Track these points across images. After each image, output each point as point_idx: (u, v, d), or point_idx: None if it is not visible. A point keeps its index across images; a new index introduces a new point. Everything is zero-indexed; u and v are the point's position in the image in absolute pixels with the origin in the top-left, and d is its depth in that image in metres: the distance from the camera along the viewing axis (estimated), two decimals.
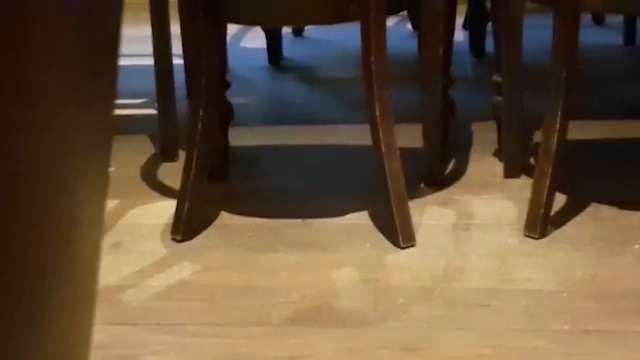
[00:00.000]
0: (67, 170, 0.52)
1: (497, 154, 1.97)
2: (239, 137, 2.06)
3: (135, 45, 2.20)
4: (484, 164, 1.96)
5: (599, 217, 1.71)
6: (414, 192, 1.79)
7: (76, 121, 0.53)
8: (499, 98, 1.91)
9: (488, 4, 2.54)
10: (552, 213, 1.67)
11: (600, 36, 2.79)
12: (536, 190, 1.65)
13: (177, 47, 2.04)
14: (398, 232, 1.63)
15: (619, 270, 1.53)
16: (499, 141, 1.97)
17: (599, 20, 2.89)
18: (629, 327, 1.37)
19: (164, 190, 1.91)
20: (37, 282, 0.51)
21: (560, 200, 1.73)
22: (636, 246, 1.60)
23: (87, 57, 0.53)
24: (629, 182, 1.85)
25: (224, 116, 1.93)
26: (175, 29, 2.02)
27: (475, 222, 1.73)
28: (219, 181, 1.92)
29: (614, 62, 2.61)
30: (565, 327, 1.38)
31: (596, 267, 1.54)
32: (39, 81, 0.48)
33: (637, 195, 1.79)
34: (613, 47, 2.70)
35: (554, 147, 1.63)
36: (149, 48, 2.04)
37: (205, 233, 1.72)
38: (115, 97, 0.57)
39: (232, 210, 1.80)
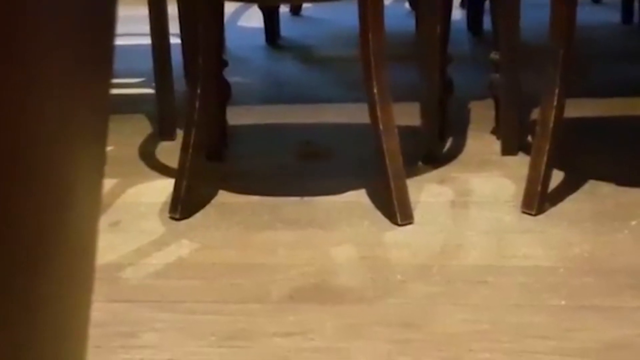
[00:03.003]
0: (62, 151, 0.52)
1: (495, 131, 1.98)
2: (237, 116, 2.06)
3: (132, 24, 2.20)
4: (481, 142, 1.96)
5: (596, 193, 1.71)
6: (412, 170, 1.79)
7: (72, 101, 0.53)
8: (497, 76, 1.91)
9: None
10: (550, 190, 1.68)
11: (598, 14, 2.79)
12: (533, 167, 1.65)
13: (174, 26, 2.04)
14: (396, 210, 1.63)
15: (616, 247, 1.53)
16: (497, 119, 1.97)
17: None
18: (626, 302, 1.38)
19: (162, 169, 1.91)
20: (33, 262, 0.51)
21: (557, 177, 1.74)
22: (633, 222, 1.60)
23: (82, 36, 0.53)
24: (626, 159, 1.85)
25: (222, 95, 1.93)
26: (172, 8, 2.02)
27: (473, 200, 1.73)
28: (216, 160, 1.92)
29: (611, 41, 2.61)
30: (563, 302, 1.39)
31: (593, 244, 1.55)
32: (35, 61, 0.48)
33: (634, 172, 1.79)
34: (611, 26, 2.70)
35: (551, 124, 1.63)
36: (146, 27, 2.04)
37: (203, 211, 1.72)
38: (112, 76, 0.58)
39: (230, 189, 1.80)
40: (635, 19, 2.70)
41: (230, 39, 2.44)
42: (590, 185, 1.74)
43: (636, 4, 2.69)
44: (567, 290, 1.41)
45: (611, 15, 2.75)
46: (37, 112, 0.49)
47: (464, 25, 2.65)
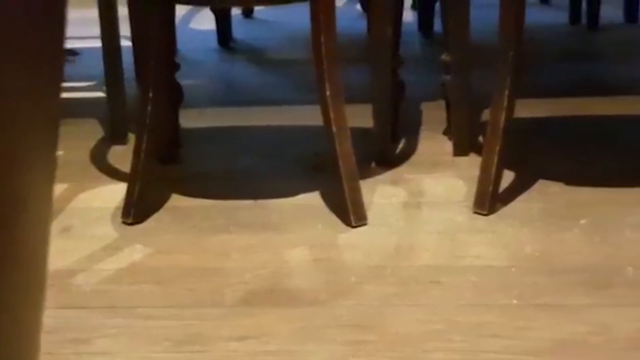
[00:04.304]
0: (12, 156, 0.52)
1: (447, 132, 1.99)
2: (189, 119, 2.05)
3: (82, 27, 2.18)
4: (433, 143, 1.98)
5: (546, 193, 1.74)
6: (365, 172, 1.80)
7: (21, 106, 0.52)
8: (448, 77, 1.93)
9: None
10: (501, 190, 1.70)
11: (546, 15, 2.83)
12: (484, 167, 1.67)
13: (125, 29, 2.03)
14: (349, 212, 1.64)
15: (567, 245, 1.55)
16: (448, 120, 1.98)
17: None
18: (576, 300, 1.40)
19: (114, 174, 1.90)
20: None
21: (508, 177, 1.76)
22: (583, 221, 1.62)
23: (31, 39, 0.52)
24: (576, 158, 1.88)
25: (174, 98, 1.92)
26: (123, 10, 2.00)
27: (426, 200, 1.74)
28: (169, 163, 1.91)
29: (560, 41, 2.64)
30: (514, 301, 1.40)
31: (544, 242, 1.56)
32: None
33: (584, 171, 1.82)
34: (559, 26, 2.74)
35: (501, 125, 1.65)
36: (96, 30, 2.02)
37: (156, 216, 1.71)
38: (62, 79, 0.57)
39: (183, 192, 1.80)
40: (583, 19, 2.74)
41: (182, 42, 2.42)
42: (541, 185, 1.76)
43: (583, 5, 2.73)
44: (519, 289, 1.43)
45: (559, 16, 2.79)
46: None
47: (415, 27, 2.67)
